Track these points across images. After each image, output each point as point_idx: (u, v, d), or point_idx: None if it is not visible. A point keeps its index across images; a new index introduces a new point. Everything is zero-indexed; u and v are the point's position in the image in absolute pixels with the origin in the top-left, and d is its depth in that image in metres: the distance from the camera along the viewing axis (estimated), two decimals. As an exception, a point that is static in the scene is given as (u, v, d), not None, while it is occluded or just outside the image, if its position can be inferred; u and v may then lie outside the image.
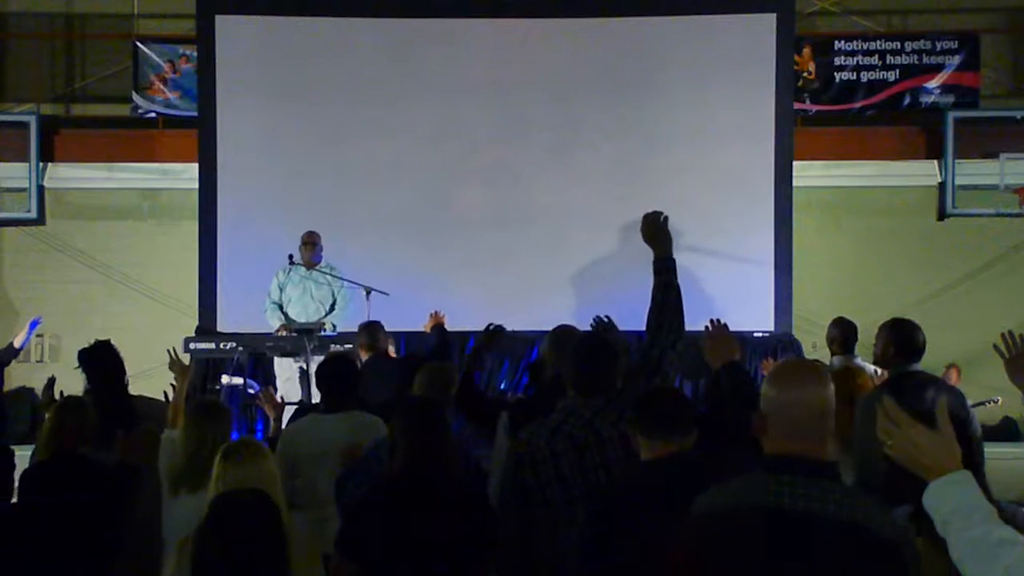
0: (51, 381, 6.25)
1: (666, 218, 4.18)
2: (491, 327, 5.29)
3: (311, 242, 8.77)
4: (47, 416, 4.37)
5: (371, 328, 6.81)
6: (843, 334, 6.40)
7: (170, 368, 5.14)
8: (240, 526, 2.84)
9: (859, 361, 6.25)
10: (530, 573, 3.72)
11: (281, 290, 8.85)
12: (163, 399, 5.10)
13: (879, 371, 5.50)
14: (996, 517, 2.06)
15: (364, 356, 6.61)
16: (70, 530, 4.01)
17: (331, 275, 8.78)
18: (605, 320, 5.38)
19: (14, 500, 4.52)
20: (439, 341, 6.74)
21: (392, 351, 7.35)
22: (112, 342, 5.39)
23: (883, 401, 2.17)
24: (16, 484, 4.36)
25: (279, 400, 5.82)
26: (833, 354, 6.41)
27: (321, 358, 8.12)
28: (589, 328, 5.34)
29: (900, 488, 4.23)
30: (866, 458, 4.50)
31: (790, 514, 2.32)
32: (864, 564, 2.28)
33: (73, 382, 5.65)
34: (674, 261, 4.09)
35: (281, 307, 8.84)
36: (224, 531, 2.83)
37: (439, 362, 5.40)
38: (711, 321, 3.90)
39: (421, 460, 3.56)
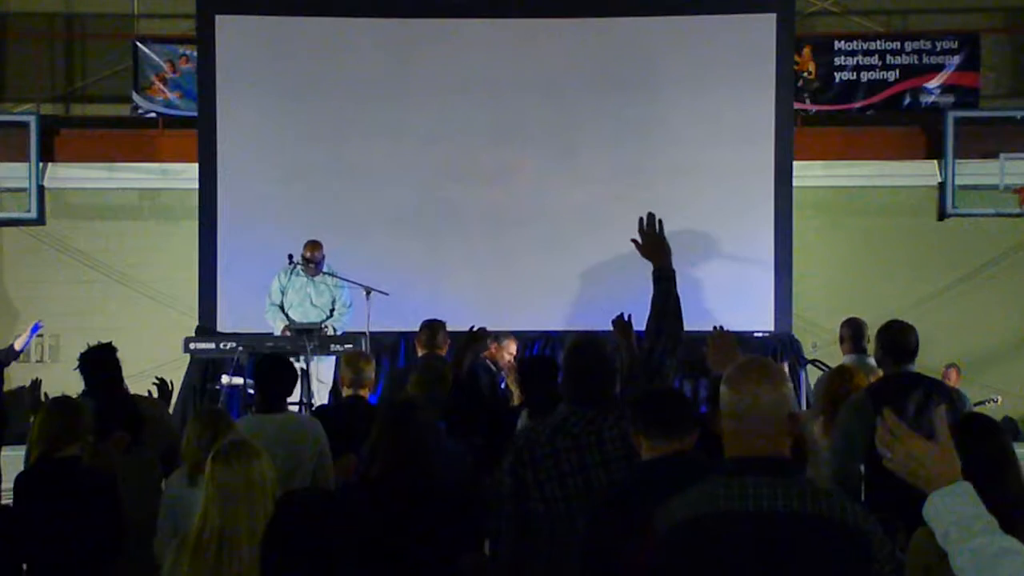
0: (35, 383, 6.24)
1: (661, 224, 4.13)
2: (473, 329, 5.20)
3: (313, 258, 8.63)
4: (36, 419, 4.29)
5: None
6: (853, 333, 6.38)
7: None
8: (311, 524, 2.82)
9: (871, 360, 6.17)
10: (525, 569, 3.72)
11: (283, 292, 8.82)
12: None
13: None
14: (997, 527, 2.05)
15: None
16: (63, 533, 4.01)
17: (333, 277, 8.75)
18: (626, 319, 5.18)
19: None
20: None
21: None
22: (113, 344, 5.38)
23: (883, 413, 2.16)
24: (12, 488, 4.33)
25: None
26: (844, 353, 6.39)
27: (319, 358, 8.23)
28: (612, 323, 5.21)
29: (876, 492, 4.24)
30: (842, 460, 4.46)
31: (762, 516, 2.33)
32: (838, 556, 2.31)
33: (72, 382, 5.65)
34: (674, 271, 4.08)
35: (282, 308, 8.80)
36: (296, 530, 2.81)
37: (431, 361, 5.36)
38: (715, 328, 3.92)
39: (400, 462, 3.56)
